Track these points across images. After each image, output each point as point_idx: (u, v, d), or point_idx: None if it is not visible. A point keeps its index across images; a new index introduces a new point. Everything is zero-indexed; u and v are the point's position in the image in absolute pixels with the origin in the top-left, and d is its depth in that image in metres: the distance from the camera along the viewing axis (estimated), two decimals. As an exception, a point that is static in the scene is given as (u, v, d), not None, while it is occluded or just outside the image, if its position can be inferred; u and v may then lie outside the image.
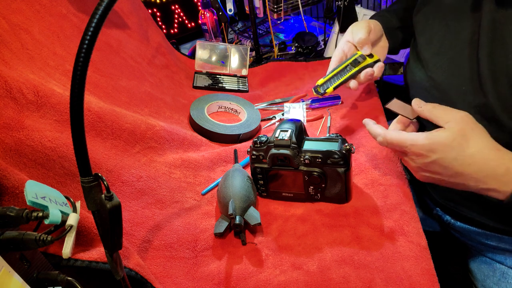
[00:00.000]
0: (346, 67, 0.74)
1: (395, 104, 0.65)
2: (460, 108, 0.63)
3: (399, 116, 0.65)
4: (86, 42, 0.34)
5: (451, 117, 0.57)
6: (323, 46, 1.26)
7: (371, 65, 0.75)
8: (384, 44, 0.84)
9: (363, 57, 0.75)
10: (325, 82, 0.72)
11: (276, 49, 1.26)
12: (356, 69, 0.73)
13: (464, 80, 0.64)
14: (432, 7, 0.75)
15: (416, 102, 0.62)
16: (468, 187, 0.57)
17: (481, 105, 0.61)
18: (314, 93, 0.72)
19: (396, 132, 0.61)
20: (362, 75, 0.74)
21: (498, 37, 0.59)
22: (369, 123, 0.66)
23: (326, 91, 0.70)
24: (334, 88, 0.71)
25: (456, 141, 0.55)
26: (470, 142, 0.55)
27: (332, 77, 0.73)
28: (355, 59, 0.75)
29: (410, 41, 0.80)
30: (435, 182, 0.61)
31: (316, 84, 0.71)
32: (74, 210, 0.44)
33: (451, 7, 0.70)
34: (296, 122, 0.68)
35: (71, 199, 0.45)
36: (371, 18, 0.87)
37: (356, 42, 0.77)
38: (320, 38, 1.28)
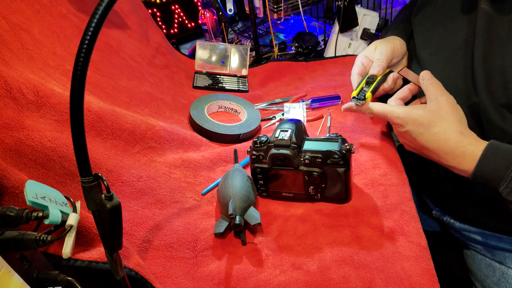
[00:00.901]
0: (363, 86, 0.75)
1: (406, 71, 0.73)
2: None
3: (400, 90, 0.71)
4: (86, 42, 0.34)
5: (436, 97, 0.63)
6: (323, 46, 1.26)
7: (385, 77, 0.76)
8: (405, 62, 0.84)
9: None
10: (359, 92, 0.73)
11: (276, 49, 1.26)
12: (376, 81, 0.75)
13: (459, 79, 0.65)
14: (430, 8, 0.75)
15: (422, 74, 0.67)
16: (435, 160, 0.64)
17: (474, 105, 0.62)
18: (356, 102, 0.72)
19: (380, 104, 0.68)
20: (390, 79, 0.76)
21: (493, 38, 0.60)
22: (353, 106, 0.72)
23: (366, 96, 0.71)
24: (372, 93, 0.72)
25: (427, 119, 0.62)
26: (439, 122, 0.61)
27: (362, 88, 0.74)
28: (369, 77, 0.75)
29: None
30: (413, 150, 0.68)
31: (352, 96, 0.73)
32: (74, 210, 0.44)
33: (448, 8, 0.70)
34: (296, 122, 0.68)
35: (71, 199, 0.45)
36: (389, 30, 0.85)
37: (374, 60, 0.77)
38: (320, 38, 1.28)
